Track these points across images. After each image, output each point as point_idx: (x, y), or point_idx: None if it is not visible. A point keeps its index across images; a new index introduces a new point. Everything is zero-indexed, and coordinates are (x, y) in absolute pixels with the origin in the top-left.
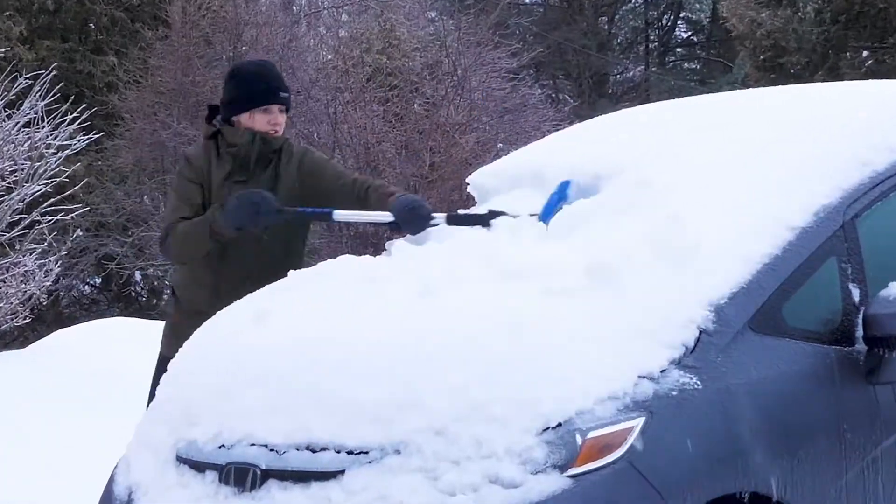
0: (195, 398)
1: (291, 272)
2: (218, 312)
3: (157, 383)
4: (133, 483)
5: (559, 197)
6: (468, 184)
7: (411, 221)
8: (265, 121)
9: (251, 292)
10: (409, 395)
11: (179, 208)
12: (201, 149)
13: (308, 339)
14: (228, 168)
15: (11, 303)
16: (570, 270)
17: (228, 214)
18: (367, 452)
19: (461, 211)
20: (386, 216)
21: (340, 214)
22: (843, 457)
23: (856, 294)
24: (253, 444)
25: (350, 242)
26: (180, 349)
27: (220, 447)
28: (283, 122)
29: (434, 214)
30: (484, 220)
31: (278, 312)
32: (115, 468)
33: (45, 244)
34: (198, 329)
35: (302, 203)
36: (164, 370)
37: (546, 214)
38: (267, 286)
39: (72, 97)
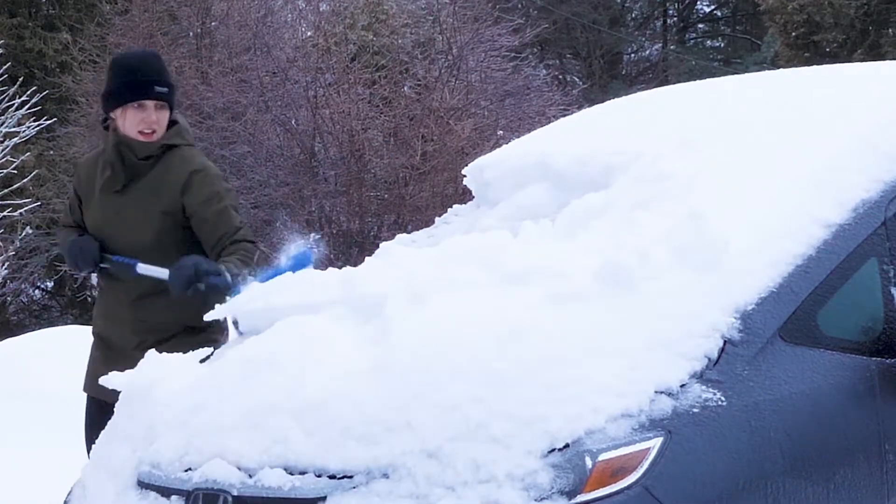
0: (159, 415)
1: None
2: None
3: (90, 425)
4: None
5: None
6: (465, 176)
7: (176, 278)
8: (138, 118)
9: (141, 316)
10: (399, 412)
11: (66, 214)
12: (92, 156)
13: (287, 353)
14: (106, 176)
15: None
16: (578, 273)
17: (64, 256)
18: (351, 477)
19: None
20: (163, 273)
21: (143, 268)
22: (884, 481)
23: None
24: (223, 464)
25: (332, 241)
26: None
27: (186, 470)
28: (161, 121)
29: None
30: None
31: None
32: (70, 494)
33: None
34: (100, 356)
35: (185, 215)
36: (95, 409)
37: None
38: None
39: (20, 79)
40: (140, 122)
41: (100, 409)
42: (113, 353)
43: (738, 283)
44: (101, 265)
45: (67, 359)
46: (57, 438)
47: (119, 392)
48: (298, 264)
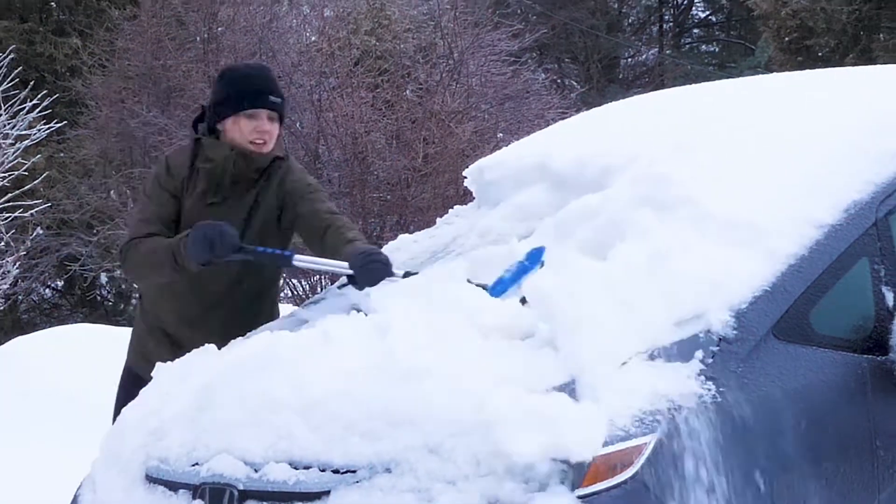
0: (167, 411)
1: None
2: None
3: (123, 397)
4: (99, 502)
5: (524, 270)
6: (465, 177)
7: (366, 276)
8: (251, 127)
9: (218, 324)
10: (401, 409)
11: (147, 221)
12: (186, 154)
13: (292, 355)
14: (203, 186)
15: None
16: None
17: (189, 248)
18: (354, 471)
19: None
20: (344, 267)
21: (300, 259)
22: (875, 476)
23: (890, 298)
24: (230, 459)
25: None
26: (146, 365)
27: (193, 465)
28: (272, 132)
29: (394, 270)
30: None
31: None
32: (80, 488)
33: (2, 244)
34: (165, 351)
35: (279, 227)
36: (130, 382)
37: (499, 289)
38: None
39: (31, 82)
40: (253, 130)
41: (137, 383)
42: (181, 350)
43: (732, 283)
44: (239, 254)
45: (77, 356)
46: (66, 434)
47: None
48: (533, 261)
